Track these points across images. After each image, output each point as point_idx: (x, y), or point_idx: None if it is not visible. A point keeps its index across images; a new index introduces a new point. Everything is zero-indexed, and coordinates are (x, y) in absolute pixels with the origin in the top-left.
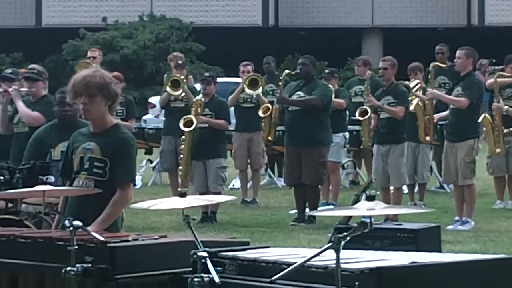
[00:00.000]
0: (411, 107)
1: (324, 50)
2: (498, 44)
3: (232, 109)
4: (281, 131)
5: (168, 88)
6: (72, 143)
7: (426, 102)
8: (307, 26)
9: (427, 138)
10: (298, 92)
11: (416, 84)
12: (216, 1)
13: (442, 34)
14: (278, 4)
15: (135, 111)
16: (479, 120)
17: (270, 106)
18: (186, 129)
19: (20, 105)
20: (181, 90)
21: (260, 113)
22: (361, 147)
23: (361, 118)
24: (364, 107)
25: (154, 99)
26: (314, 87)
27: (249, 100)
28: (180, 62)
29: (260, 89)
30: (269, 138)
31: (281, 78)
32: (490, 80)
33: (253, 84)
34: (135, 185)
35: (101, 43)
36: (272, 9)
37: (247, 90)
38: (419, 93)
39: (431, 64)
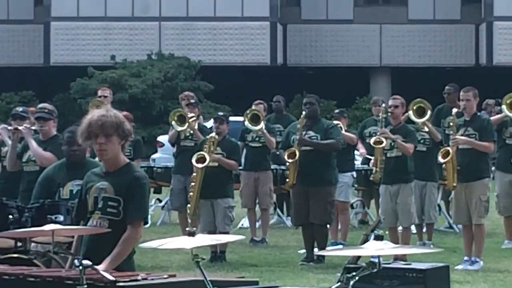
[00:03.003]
0: (447, 158)
1: (332, 89)
2: (506, 84)
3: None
4: (283, 169)
5: (173, 123)
6: (85, 183)
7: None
8: (315, 65)
9: (454, 184)
10: (309, 132)
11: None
12: (224, 39)
13: (450, 74)
14: (287, 43)
15: (142, 152)
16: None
17: (296, 150)
18: (199, 166)
19: (33, 144)
20: (186, 125)
21: (286, 157)
22: (371, 178)
23: (376, 146)
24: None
25: (163, 138)
26: (324, 127)
27: (257, 139)
28: (192, 101)
29: (262, 124)
30: (294, 183)
31: (300, 119)
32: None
33: (254, 120)
34: (146, 223)
35: (109, 82)
36: (281, 48)
37: (248, 125)
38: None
39: (455, 111)
